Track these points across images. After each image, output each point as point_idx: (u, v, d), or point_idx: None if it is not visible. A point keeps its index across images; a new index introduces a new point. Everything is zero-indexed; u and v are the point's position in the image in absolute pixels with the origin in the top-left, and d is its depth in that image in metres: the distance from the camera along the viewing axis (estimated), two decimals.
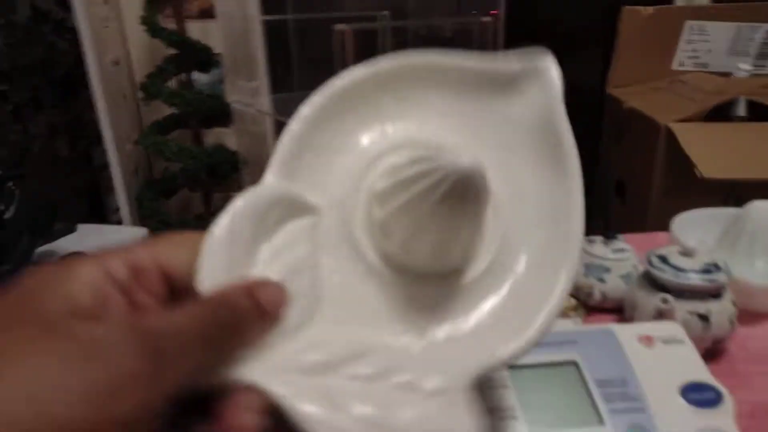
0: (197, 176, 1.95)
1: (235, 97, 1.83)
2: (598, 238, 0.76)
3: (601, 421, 0.45)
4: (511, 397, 0.47)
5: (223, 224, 0.29)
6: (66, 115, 2.18)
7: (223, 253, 0.27)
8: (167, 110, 1.88)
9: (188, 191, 2.10)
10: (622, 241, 0.75)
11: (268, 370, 0.25)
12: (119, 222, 1.88)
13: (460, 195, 0.28)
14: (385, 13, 1.55)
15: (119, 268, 0.24)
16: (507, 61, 0.37)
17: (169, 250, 0.26)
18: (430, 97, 0.37)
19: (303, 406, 0.24)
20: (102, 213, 2.27)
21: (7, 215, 1.06)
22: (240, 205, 0.29)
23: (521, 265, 0.33)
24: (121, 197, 1.78)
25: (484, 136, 0.37)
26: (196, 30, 1.76)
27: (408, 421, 0.26)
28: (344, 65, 1.29)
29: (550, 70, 0.36)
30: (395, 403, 0.26)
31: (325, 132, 0.35)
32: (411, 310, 0.32)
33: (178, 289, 0.26)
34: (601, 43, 1.79)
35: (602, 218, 1.75)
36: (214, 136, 2.00)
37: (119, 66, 1.76)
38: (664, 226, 0.84)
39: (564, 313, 0.73)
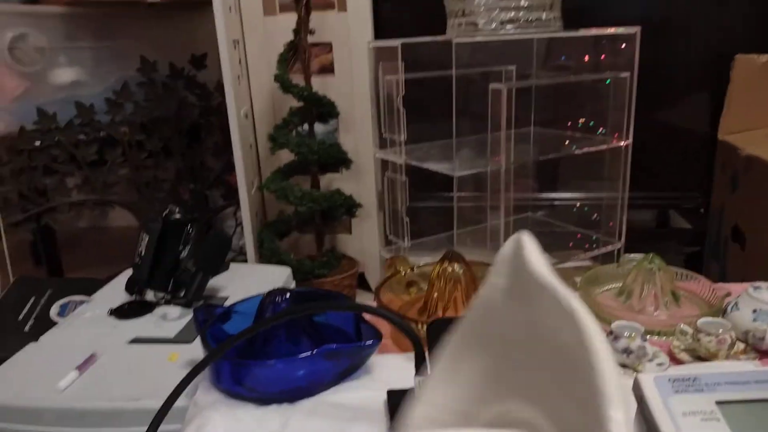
0: (311, 219, 2.07)
1: (349, 145, 1.96)
2: (765, 284, 0.79)
3: None
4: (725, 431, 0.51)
5: None
6: (191, 161, 2.37)
7: None
8: (284, 158, 2.02)
9: (297, 233, 2.23)
10: None
11: None
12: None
13: None
14: (512, 67, 1.63)
15: None
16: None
17: None
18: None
19: None
20: None
21: (183, 255, 1.19)
22: None
23: None
24: (248, 238, 1.91)
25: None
26: (315, 84, 1.90)
27: None
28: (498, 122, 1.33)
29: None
30: None
31: None
32: None
33: None
34: (711, 89, 1.82)
35: (718, 264, 1.74)
36: (326, 180, 2.12)
37: (248, 119, 1.92)
38: None
39: (734, 356, 0.77)
